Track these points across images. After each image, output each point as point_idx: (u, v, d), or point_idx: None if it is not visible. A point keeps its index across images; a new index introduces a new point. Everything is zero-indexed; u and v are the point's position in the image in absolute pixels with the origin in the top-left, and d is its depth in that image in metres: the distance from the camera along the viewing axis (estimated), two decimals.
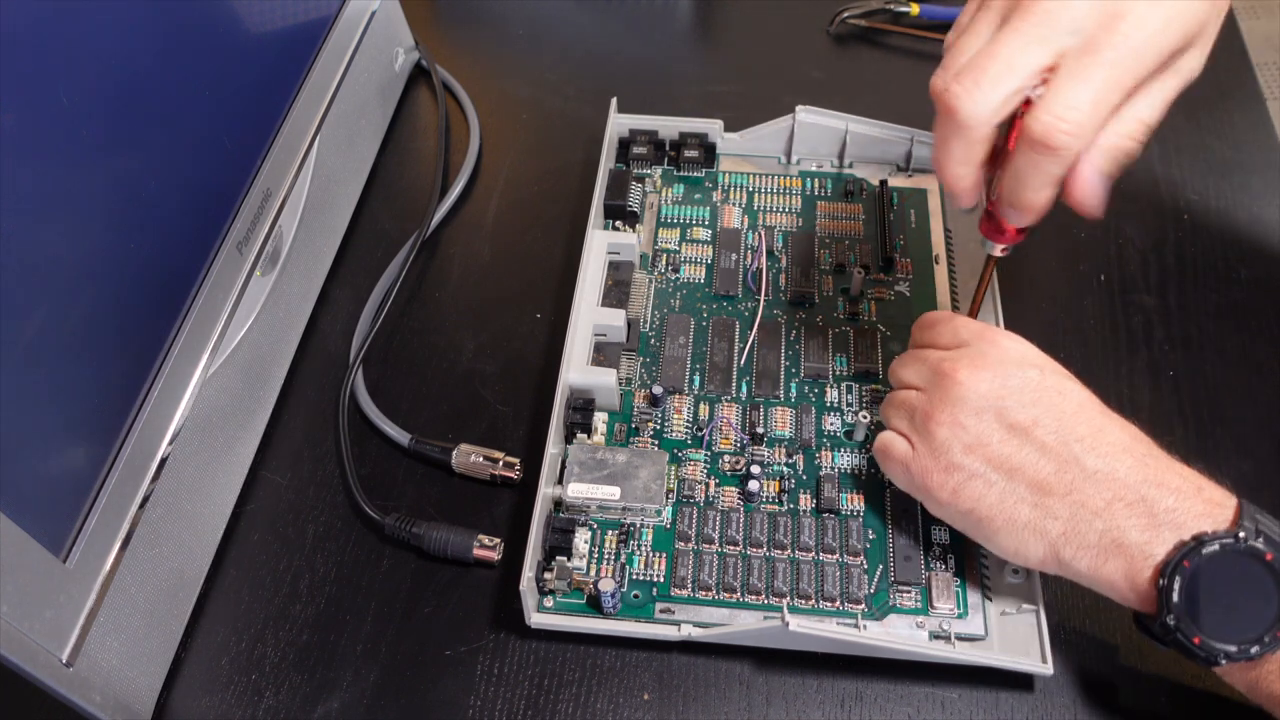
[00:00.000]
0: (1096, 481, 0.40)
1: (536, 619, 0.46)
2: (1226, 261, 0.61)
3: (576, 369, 0.52)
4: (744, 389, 0.54)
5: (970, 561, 0.48)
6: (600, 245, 0.57)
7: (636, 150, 0.64)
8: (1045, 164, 0.39)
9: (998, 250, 0.46)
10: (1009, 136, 0.42)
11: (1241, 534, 0.38)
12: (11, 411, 0.36)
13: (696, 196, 0.63)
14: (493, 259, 0.62)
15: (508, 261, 0.62)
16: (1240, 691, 0.40)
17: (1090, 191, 0.40)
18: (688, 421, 0.53)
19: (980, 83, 0.39)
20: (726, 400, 0.54)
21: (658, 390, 0.53)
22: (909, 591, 0.47)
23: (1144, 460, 0.41)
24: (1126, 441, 0.41)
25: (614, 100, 0.64)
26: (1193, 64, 0.40)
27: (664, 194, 0.63)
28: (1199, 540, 0.38)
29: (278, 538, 0.51)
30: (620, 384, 0.54)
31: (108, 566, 0.41)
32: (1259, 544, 0.38)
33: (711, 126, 0.64)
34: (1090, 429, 0.42)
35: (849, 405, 0.54)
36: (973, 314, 0.51)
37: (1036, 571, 0.46)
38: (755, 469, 0.51)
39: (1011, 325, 0.56)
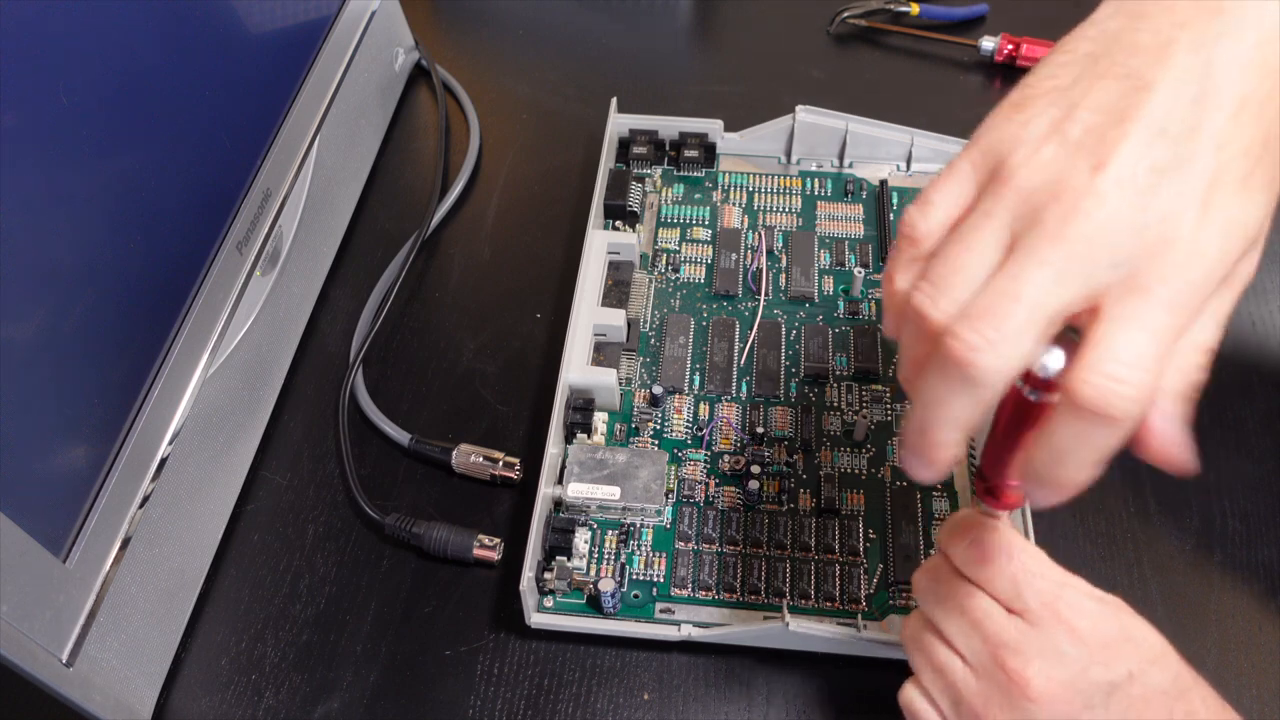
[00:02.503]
0: None
1: (536, 619, 0.46)
2: None
3: (576, 369, 0.52)
4: (744, 389, 0.54)
5: None
6: (600, 245, 0.57)
7: (636, 150, 0.64)
8: (1099, 436, 0.29)
9: (998, 516, 0.38)
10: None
11: None
12: (11, 411, 0.36)
13: (696, 196, 0.63)
14: (493, 259, 0.62)
15: (508, 261, 0.62)
16: None
17: (1179, 448, 0.31)
18: (688, 421, 0.53)
19: (1004, 333, 0.29)
20: (726, 400, 0.54)
21: (658, 390, 0.53)
22: (909, 591, 0.47)
23: None
24: None
25: (614, 100, 0.64)
26: (1248, 268, 0.32)
27: (664, 194, 0.63)
28: None
29: (278, 538, 0.51)
30: (620, 384, 0.54)
31: (108, 566, 0.41)
32: None
33: (711, 126, 0.64)
34: None
35: (849, 405, 0.54)
36: None
37: None
38: (755, 469, 0.51)
39: None
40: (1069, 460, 0.30)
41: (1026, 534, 0.46)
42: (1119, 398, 0.28)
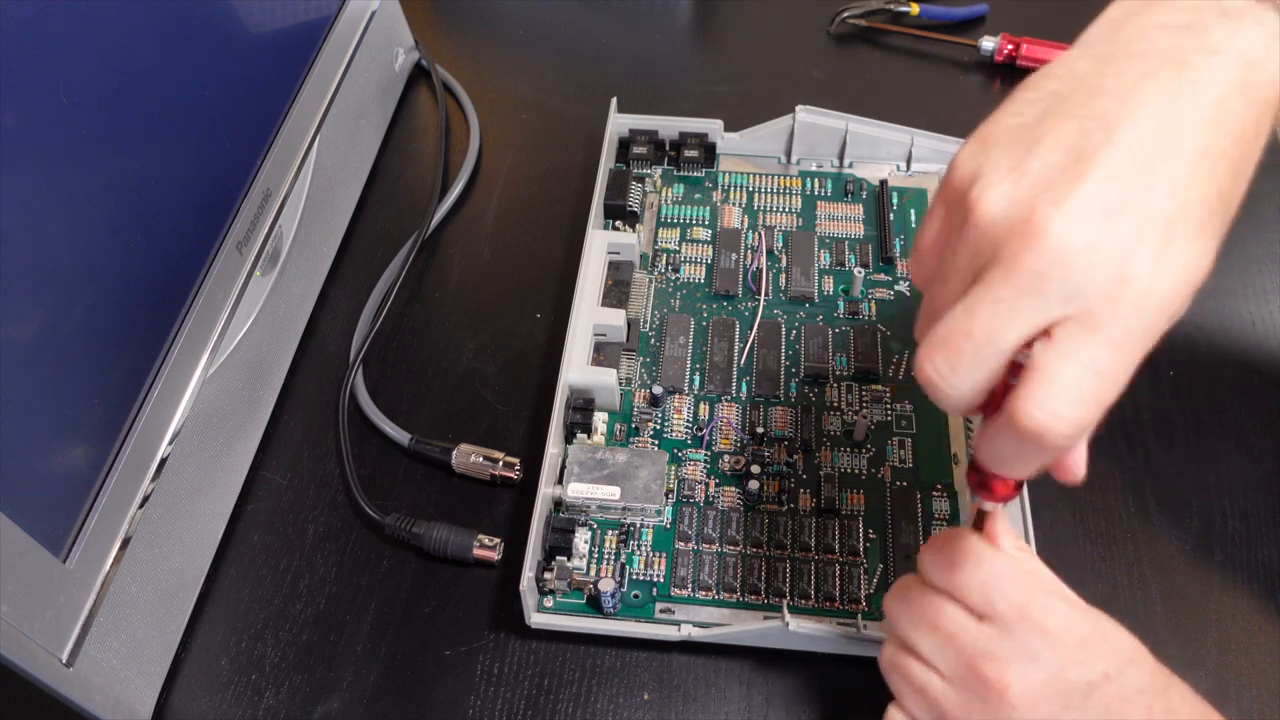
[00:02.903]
0: None
1: (536, 619, 0.46)
2: (1226, 261, 0.60)
3: (576, 369, 0.52)
4: (744, 389, 0.54)
5: None
6: (600, 245, 0.57)
7: (636, 150, 0.64)
8: (1032, 454, 0.31)
9: (988, 506, 0.37)
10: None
11: None
12: (11, 411, 0.36)
13: (696, 196, 0.63)
14: (493, 259, 0.62)
15: (508, 261, 0.62)
16: None
17: (1077, 467, 0.34)
18: (688, 421, 0.53)
19: (958, 366, 0.31)
20: (726, 400, 0.54)
21: (658, 390, 0.53)
22: None
23: None
24: None
25: (614, 100, 0.64)
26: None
27: (664, 194, 0.63)
28: None
29: (278, 538, 0.51)
30: (620, 384, 0.54)
31: (108, 566, 0.41)
32: None
33: (711, 126, 0.64)
34: None
35: (849, 405, 0.54)
36: None
37: None
38: (755, 469, 0.51)
39: None
40: (1006, 464, 0.32)
41: (1026, 535, 0.46)
42: (1054, 432, 0.29)
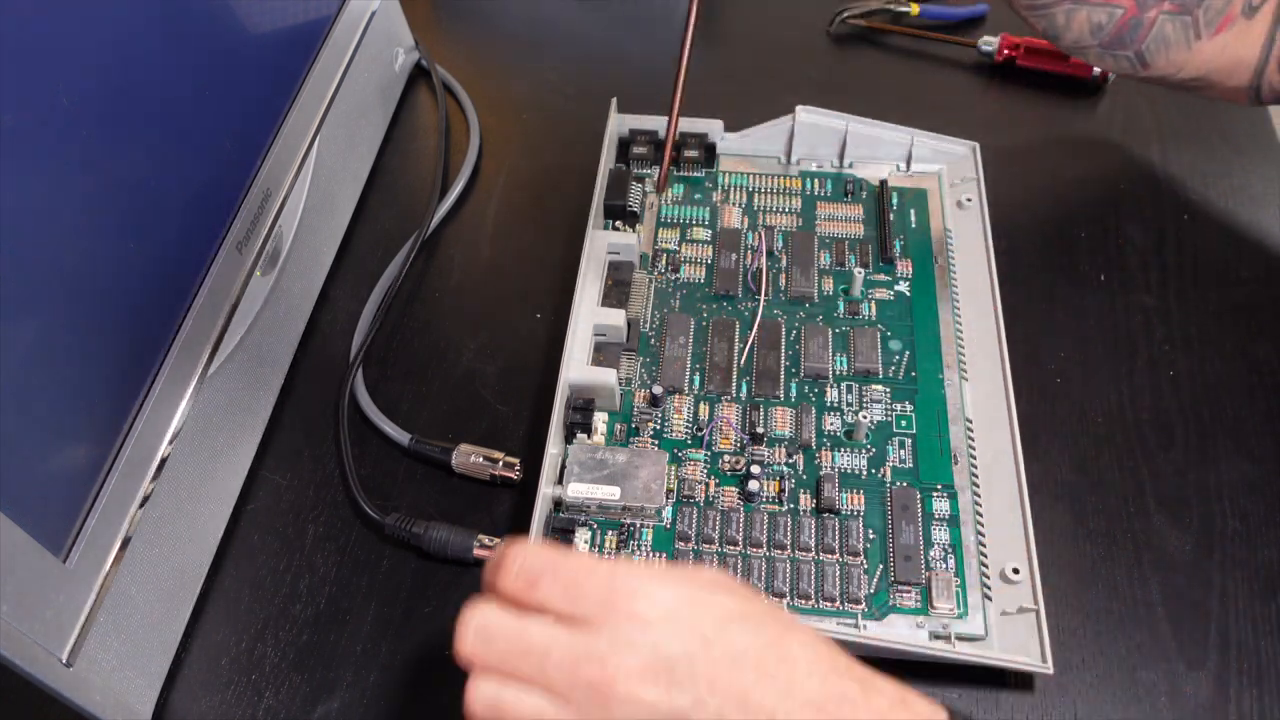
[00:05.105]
0: None
1: None
2: (1226, 261, 0.61)
3: (576, 369, 0.52)
4: (744, 389, 0.54)
5: (970, 561, 0.48)
6: (600, 245, 0.57)
7: (636, 150, 0.64)
8: None
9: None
10: None
11: None
12: (11, 411, 0.36)
13: (696, 196, 0.63)
14: (493, 259, 0.62)
15: (508, 261, 0.62)
16: None
17: None
18: (688, 421, 0.53)
19: None
20: (726, 400, 0.54)
21: (658, 390, 0.53)
22: (909, 591, 0.47)
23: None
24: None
25: (614, 100, 0.64)
26: None
27: (664, 194, 0.63)
28: None
29: (278, 538, 0.51)
30: (620, 384, 0.54)
31: (108, 566, 0.41)
32: None
33: (711, 126, 0.64)
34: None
35: (849, 405, 0.54)
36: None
37: (1036, 571, 0.46)
38: (755, 469, 0.51)
39: (1011, 326, 0.56)
40: None
41: (1026, 536, 0.47)
42: None
